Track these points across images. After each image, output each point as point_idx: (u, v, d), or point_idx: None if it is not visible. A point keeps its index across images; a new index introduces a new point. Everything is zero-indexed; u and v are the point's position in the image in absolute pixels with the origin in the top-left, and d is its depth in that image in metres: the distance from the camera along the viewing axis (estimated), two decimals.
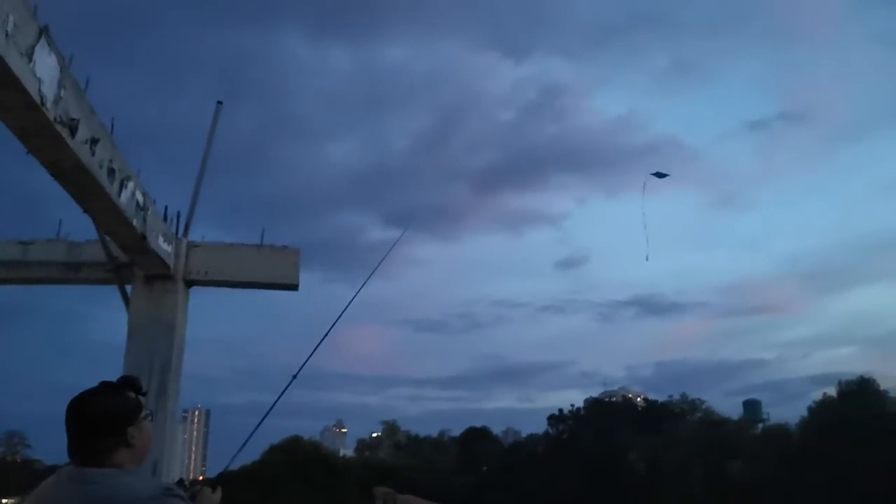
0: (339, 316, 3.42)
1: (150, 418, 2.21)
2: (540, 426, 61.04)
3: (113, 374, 2.26)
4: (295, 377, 2.94)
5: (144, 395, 2.23)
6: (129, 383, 2.18)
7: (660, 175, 14.17)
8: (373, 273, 3.62)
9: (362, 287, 3.64)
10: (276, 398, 2.76)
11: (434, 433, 72.86)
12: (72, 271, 8.14)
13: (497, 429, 74.38)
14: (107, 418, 2.04)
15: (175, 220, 8.05)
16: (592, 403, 57.81)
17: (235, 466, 45.16)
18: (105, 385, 2.15)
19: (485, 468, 56.74)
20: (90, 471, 1.97)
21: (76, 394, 2.10)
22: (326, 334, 3.29)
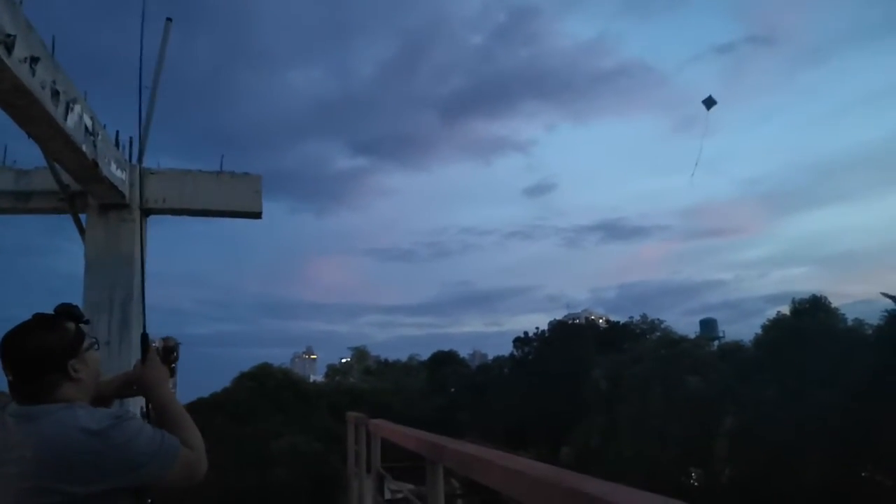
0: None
1: (95, 347, 2.00)
2: (506, 349, 62.51)
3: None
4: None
5: (87, 322, 2.00)
6: (66, 312, 1.95)
7: (710, 103, 13.34)
8: None
9: None
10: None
11: (403, 358, 74.26)
12: (21, 201, 7.79)
13: (464, 352, 76.06)
14: (44, 355, 1.83)
15: (128, 147, 7.71)
16: (557, 326, 59.25)
17: (205, 394, 45.60)
18: (39, 317, 1.91)
19: (453, 390, 58.35)
20: (35, 407, 1.80)
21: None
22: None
